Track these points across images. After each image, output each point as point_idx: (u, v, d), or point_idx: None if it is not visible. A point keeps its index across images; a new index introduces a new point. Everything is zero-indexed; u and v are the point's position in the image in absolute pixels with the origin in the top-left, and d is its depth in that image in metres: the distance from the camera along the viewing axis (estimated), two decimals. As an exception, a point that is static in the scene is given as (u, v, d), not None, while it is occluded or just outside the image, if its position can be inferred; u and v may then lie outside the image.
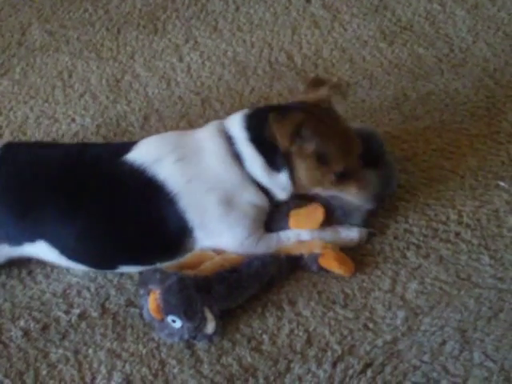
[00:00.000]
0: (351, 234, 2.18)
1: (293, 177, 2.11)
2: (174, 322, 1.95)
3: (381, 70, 2.86)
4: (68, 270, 2.19)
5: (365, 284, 2.09)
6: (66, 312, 2.10)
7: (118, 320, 2.06)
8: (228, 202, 2.08)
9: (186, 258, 2.09)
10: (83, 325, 2.06)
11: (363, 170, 2.16)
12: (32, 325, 2.07)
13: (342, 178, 2.12)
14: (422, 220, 2.25)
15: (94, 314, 2.08)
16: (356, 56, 2.93)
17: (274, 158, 2.09)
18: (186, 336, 1.96)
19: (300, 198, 2.19)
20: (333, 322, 2.01)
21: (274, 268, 2.09)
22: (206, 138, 2.14)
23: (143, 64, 3.01)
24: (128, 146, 2.17)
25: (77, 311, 2.10)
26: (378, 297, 2.06)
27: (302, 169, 2.09)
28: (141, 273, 2.08)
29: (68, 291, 2.15)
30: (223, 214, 2.09)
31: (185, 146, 2.14)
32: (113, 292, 2.13)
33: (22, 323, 2.08)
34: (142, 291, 2.02)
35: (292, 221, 2.16)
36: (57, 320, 2.08)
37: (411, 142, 2.52)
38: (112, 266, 2.16)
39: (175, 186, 2.07)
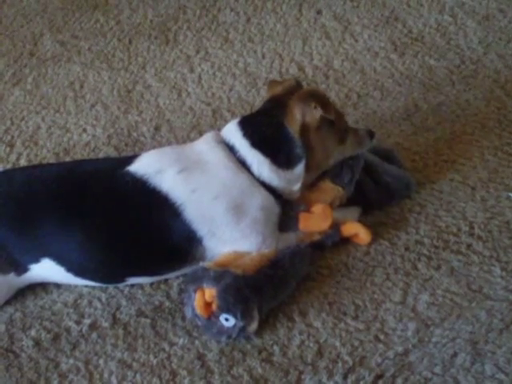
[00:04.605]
0: (353, 210, 2.28)
1: (309, 160, 2.14)
2: (227, 320, 1.96)
3: (392, 81, 2.86)
4: (79, 279, 2.20)
5: (376, 295, 2.08)
6: (77, 322, 2.10)
7: (128, 330, 2.06)
8: (237, 209, 2.08)
9: (221, 256, 2.09)
10: (94, 335, 2.06)
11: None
12: (43, 335, 2.07)
13: (345, 136, 2.22)
14: (433, 231, 2.25)
15: (105, 324, 2.08)
16: (367, 67, 2.94)
17: (284, 154, 2.12)
18: (234, 335, 1.98)
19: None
20: (344, 334, 2.00)
21: (308, 262, 2.14)
22: (206, 149, 2.14)
23: (154, 74, 3.02)
24: (126, 160, 2.16)
25: (88, 321, 2.09)
26: (389, 308, 2.05)
27: (319, 141, 2.15)
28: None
29: (79, 301, 2.15)
30: (233, 222, 2.08)
31: (186, 158, 2.13)
32: (124, 302, 2.13)
33: (33, 333, 2.08)
34: (190, 288, 2.02)
35: (302, 223, 2.18)
36: (68, 330, 2.08)
37: (422, 153, 2.52)
38: (120, 279, 2.16)
39: (179, 196, 2.06)
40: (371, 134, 2.31)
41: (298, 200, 2.21)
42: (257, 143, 2.12)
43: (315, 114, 2.11)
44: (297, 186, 2.17)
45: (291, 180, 2.15)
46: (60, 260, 2.09)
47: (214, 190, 2.08)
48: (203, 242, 2.08)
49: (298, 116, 2.11)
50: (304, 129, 2.12)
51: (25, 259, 2.10)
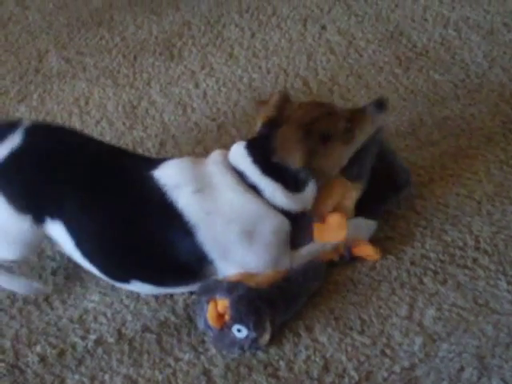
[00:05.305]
0: (366, 228, 2.24)
1: (319, 176, 2.11)
2: (239, 331, 1.96)
3: (397, 95, 2.86)
4: (84, 295, 2.20)
5: (382, 310, 2.08)
6: (83, 337, 2.09)
7: (134, 346, 2.06)
8: (249, 234, 2.06)
9: (235, 274, 2.08)
10: (99, 350, 2.06)
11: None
12: (48, 350, 2.07)
13: (350, 134, 2.17)
14: (439, 246, 2.24)
15: (111, 340, 2.08)
16: (372, 82, 2.94)
17: (293, 179, 2.09)
18: (246, 347, 1.98)
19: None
20: (350, 349, 1.99)
21: (322, 277, 2.14)
22: (218, 173, 2.11)
23: (159, 90, 3.02)
24: (154, 163, 2.16)
25: (93, 337, 2.09)
26: (395, 323, 2.04)
27: (321, 159, 2.09)
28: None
29: (84, 317, 2.15)
30: (246, 247, 2.07)
31: (202, 178, 2.11)
32: (129, 317, 2.13)
33: (38, 349, 2.08)
34: (203, 299, 2.02)
35: (316, 234, 2.15)
36: (73, 346, 2.08)
37: (427, 167, 2.51)
38: (124, 278, 2.15)
39: (193, 216, 2.05)
40: (380, 105, 2.25)
41: (311, 211, 2.16)
42: (267, 170, 2.08)
43: (298, 158, 2.06)
44: (310, 203, 2.14)
45: (304, 200, 2.13)
46: (71, 231, 2.08)
47: (226, 214, 2.06)
48: (214, 264, 2.07)
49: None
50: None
51: (42, 209, 2.09)
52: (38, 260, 2.33)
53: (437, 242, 2.25)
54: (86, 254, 2.11)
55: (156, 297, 2.17)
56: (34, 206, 2.09)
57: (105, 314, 2.15)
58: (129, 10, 3.51)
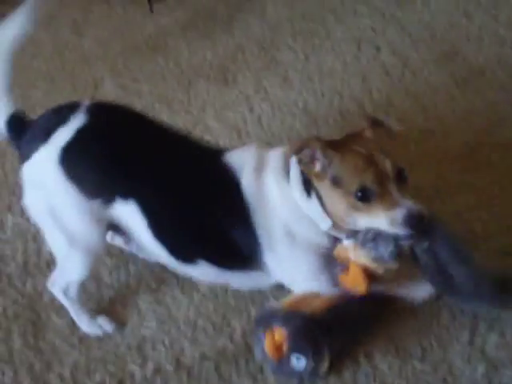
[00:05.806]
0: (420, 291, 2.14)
1: (323, 204, 2.03)
2: (298, 361, 1.95)
3: (453, 116, 2.82)
4: (142, 323, 2.21)
5: (443, 336, 2.04)
6: (141, 366, 2.10)
7: (192, 374, 2.06)
8: (289, 234, 2.07)
9: (292, 297, 2.08)
10: (158, 379, 2.06)
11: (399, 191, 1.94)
12: (107, 379, 2.07)
13: (367, 201, 1.93)
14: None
15: (169, 368, 2.08)
16: (428, 103, 2.91)
17: (303, 180, 2.05)
18: (306, 376, 1.97)
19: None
20: (410, 376, 1.97)
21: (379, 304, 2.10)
22: (275, 159, 2.12)
23: (214, 115, 3.03)
24: (224, 149, 2.21)
25: (151, 365, 2.09)
26: (457, 349, 2.01)
27: (323, 193, 2.01)
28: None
29: (142, 344, 2.15)
30: (288, 243, 2.07)
31: (261, 159, 2.14)
32: (187, 345, 2.13)
33: (97, 377, 2.08)
34: (259, 330, 2.01)
35: (341, 283, 2.04)
36: (132, 374, 2.08)
37: (486, 189, 2.46)
38: (191, 259, 2.16)
39: (250, 196, 2.08)
40: (410, 220, 1.91)
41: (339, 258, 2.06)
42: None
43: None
44: (324, 225, 2.03)
45: (315, 211, 2.03)
46: (145, 212, 2.10)
47: (271, 204, 2.08)
48: (263, 252, 2.08)
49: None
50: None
51: (113, 190, 2.10)
52: (96, 288, 2.34)
53: (498, 265, 2.20)
54: (157, 233, 2.12)
55: (213, 324, 2.17)
56: (105, 187, 2.10)
57: (162, 342, 2.15)
58: (182, 36, 3.54)
